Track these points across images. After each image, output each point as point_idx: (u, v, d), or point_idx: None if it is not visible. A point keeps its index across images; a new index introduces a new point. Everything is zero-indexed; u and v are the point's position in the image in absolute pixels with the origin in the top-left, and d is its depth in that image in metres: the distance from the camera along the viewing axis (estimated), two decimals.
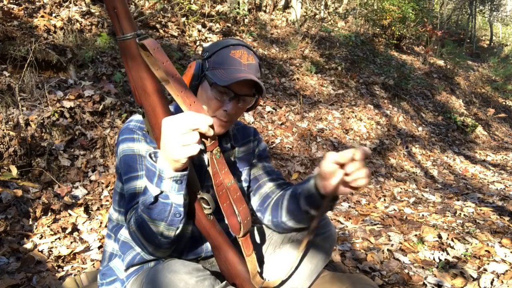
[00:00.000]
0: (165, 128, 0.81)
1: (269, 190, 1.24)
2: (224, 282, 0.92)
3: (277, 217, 1.17)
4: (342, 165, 0.89)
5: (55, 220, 2.29)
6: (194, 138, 0.80)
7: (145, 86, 0.84)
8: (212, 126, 0.84)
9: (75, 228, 2.28)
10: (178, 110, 1.18)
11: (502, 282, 1.90)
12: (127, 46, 0.82)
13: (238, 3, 6.38)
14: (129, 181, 1.03)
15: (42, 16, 3.50)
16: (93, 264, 2.03)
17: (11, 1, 3.47)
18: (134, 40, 0.81)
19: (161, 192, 0.86)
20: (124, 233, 1.14)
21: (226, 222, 0.98)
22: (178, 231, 0.92)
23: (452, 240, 2.39)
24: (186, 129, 0.79)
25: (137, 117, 1.10)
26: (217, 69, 1.05)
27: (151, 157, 0.87)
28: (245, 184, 1.27)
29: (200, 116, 0.81)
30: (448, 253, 2.23)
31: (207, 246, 1.16)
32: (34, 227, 2.20)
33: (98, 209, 2.49)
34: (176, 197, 0.87)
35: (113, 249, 1.17)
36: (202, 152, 1.14)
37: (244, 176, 1.26)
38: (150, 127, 0.89)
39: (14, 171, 2.37)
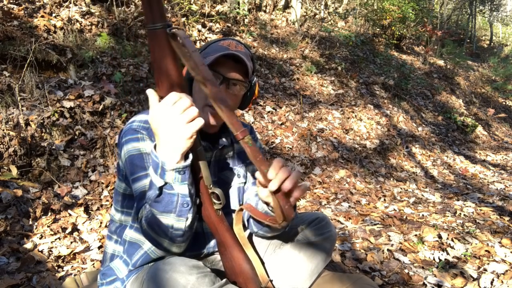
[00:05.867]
0: (162, 114, 0.83)
1: (247, 197, 1.27)
2: (224, 280, 0.91)
3: (250, 226, 1.20)
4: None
5: (55, 220, 2.29)
6: (194, 111, 0.83)
7: (170, 77, 0.85)
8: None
9: (75, 228, 2.28)
10: None
11: (502, 282, 1.90)
12: (156, 35, 0.82)
13: (238, 3, 6.38)
14: (138, 180, 1.02)
15: (42, 16, 3.50)
16: (93, 264, 2.03)
17: (11, 1, 3.47)
18: (164, 30, 0.81)
19: (166, 183, 0.87)
20: (129, 233, 1.14)
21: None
22: (188, 222, 0.91)
23: (452, 240, 2.39)
24: (184, 107, 0.82)
25: (139, 117, 1.10)
26: (205, 58, 1.08)
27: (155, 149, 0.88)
28: (243, 180, 1.27)
29: (178, 95, 0.83)
30: (448, 253, 2.23)
31: (209, 243, 1.16)
32: (34, 227, 2.20)
33: (98, 209, 2.49)
34: (180, 187, 0.88)
35: (113, 251, 1.17)
36: (205, 150, 1.15)
37: (242, 173, 1.27)
38: None
39: (14, 171, 2.37)
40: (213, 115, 1.09)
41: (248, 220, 1.22)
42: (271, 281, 1.08)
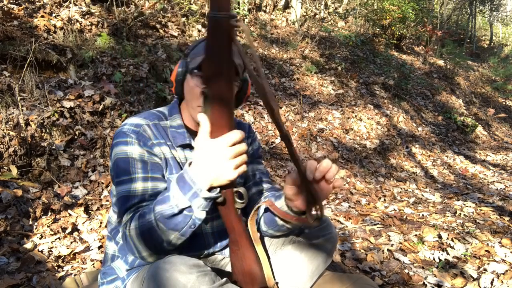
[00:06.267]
0: (215, 151, 0.85)
1: (250, 196, 1.27)
2: (224, 279, 0.91)
3: (257, 225, 1.20)
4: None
5: (55, 220, 2.29)
6: (244, 158, 0.88)
7: (221, 68, 0.84)
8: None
9: (75, 228, 2.28)
10: (173, 109, 1.17)
11: (502, 282, 1.90)
12: (219, 24, 0.80)
13: (238, 3, 6.38)
14: (122, 184, 1.02)
15: (42, 16, 3.50)
16: (93, 264, 2.03)
17: (11, 1, 3.47)
18: (228, 20, 0.80)
19: (189, 206, 0.89)
20: None
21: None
22: (185, 239, 0.94)
23: (452, 240, 2.39)
24: (238, 152, 0.86)
25: (132, 120, 1.10)
26: (194, 58, 1.06)
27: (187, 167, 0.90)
28: (241, 181, 1.28)
29: (239, 136, 0.86)
30: (448, 253, 2.23)
31: (208, 243, 1.16)
32: (34, 227, 2.20)
33: (98, 209, 2.49)
34: (200, 213, 0.90)
35: (114, 251, 1.17)
36: None
37: None
38: (209, 110, 0.89)
39: (14, 171, 2.37)
40: None
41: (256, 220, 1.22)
42: (277, 283, 1.08)
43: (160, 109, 1.18)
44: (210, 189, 0.89)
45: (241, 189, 0.95)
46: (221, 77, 0.84)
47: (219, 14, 0.79)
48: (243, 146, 0.87)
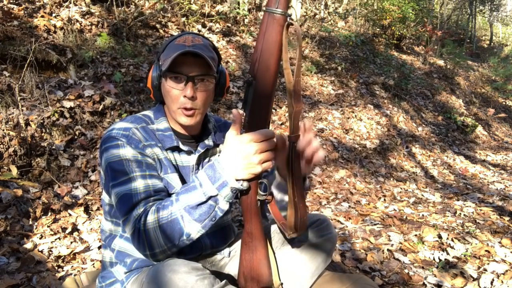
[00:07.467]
0: (244, 146, 0.87)
1: None
2: (224, 281, 0.91)
3: None
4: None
5: (55, 220, 2.29)
6: (271, 156, 0.90)
7: (270, 61, 0.87)
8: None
9: (75, 228, 2.28)
10: (158, 112, 1.17)
11: (502, 282, 1.90)
12: (274, 19, 0.84)
13: (238, 3, 6.38)
14: (121, 185, 1.01)
15: (42, 16, 3.50)
16: (93, 264, 2.03)
17: (11, 1, 3.47)
18: (284, 17, 0.84)
19: (216, 195, 0.90)
20: (118, 243, 1.13)
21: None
22: (201, 234, 0.95)
23: (452, 240, 2.39)
24: (266, 149, 0.89)
25: (119, 124, 1.09)
26: (165, 60, 1.06)
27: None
28: (266, 173, 1.26)
29: (269, 133, 0.89)
30: (448, 253, 2.23)
31: (205, 244, 1.16)
32: (34, 227, 2.20)
33: (98, 209, 2.49)
34: (224, 204, 0.91)
35: (110, 258, 1.16)
36: (188, 153, 1.15)
37: None
38: (251, 101, 0.91)
39: (14, 171, 2.37)
40: (189, 116, 1.08)
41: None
42: (281, 284, 1.07)
43: (145, 112, 1.18)
44: (236, 181, 0.91)
45: (265, 181, 0.95)
46: (269, 72, 0.87)
47: (276, 10, 0.83)
48: (271, 143, 0.89)
